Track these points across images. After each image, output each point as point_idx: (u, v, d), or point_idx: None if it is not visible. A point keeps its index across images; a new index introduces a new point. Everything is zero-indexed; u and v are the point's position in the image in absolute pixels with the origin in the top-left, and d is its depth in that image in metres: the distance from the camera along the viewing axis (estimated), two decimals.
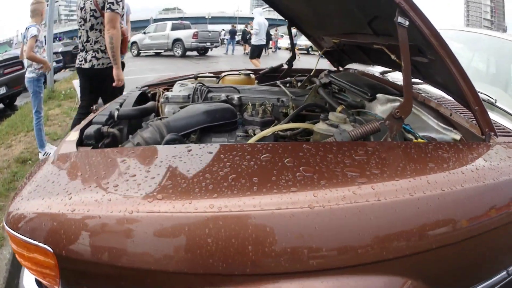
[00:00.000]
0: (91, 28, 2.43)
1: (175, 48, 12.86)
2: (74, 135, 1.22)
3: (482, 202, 0.88)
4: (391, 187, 0.76)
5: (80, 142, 1.16)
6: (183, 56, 12.23)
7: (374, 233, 0.71)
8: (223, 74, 2.23)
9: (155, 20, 21.80)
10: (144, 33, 14.31)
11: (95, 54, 2.45)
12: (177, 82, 2.12)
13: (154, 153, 0.88)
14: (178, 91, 1.69)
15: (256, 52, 7.37)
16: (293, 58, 2.45)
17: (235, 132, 1.32)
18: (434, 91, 1.54)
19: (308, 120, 1.45)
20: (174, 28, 13.27)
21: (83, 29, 2.46)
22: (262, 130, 1.27)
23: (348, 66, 2.49)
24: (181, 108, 1.41)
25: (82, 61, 2.50)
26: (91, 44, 2.46)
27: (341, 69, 2.52)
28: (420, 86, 1.62)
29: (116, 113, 1.41)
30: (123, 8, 2.40)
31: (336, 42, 1.95)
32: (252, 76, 2.22)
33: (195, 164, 0.77)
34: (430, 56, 1.01)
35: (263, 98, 1.62)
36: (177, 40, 12.78)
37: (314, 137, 1.17)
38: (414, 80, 1.63)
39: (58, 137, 3.38)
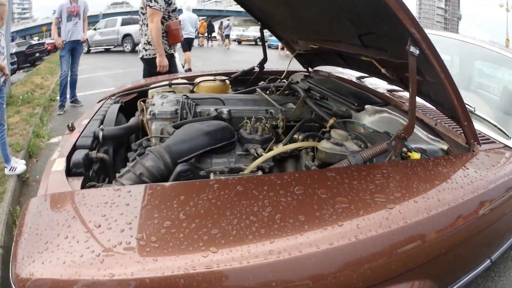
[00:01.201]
0: (142, 23, 2.91)
1: (125, 44, 13.37)
2: (60, 163, 1.19)
3: (477, 209, 1.06)
4: (412, 209, 0.89)
5: (68, 171, 1.14)
6: (133, 51, 12.54)
7: (404, 250, 0.84)
8: (197, 80, 2.22)
9: (104, 16, 21.88)
10: (95, 29, 14.47)
11: (144, 46, 2.93)
12: (151, 90, 2.06)
13: (174, 192, 0.88)
14: (160, 103, 1.64)
15: (185, 45, 8.26)
16: (264, 60, 2.52)
17: (234, 151, 1.35)
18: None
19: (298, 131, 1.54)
20: (124, 23, 13.76)
21: (139, 24, 3.01)
22: (262, 148, 1.32)
23: (318, 67, 2.65)
24: (175, 127, 1.38)
25: (139, 50, 3.07)
26: (142, 36, 2.95)
27: (311, 70, 2.67)
28: (399, 94, 1.80)
29: (100, 134, 1.40)
30: (170, 4, 2.82)
31: (314, 48, 2.06)
32: (227, 82, 2.24)
33: (231, 204, 0.79)
34: (429, 78, 1.16)
35: (251, 110, 1.65)
36: (127, 36, 13.29)
37: (319, 155, 1.25)
38: (395, 87, 1.83)
39: (21, 148, 3.20)
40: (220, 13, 28.32)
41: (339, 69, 2.55)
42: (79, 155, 1.23)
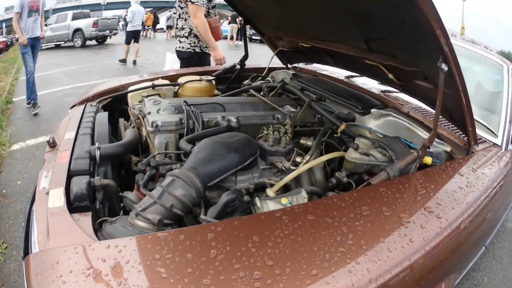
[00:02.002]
0: (179, 16, 3.07)
1: (75, 39, 13.48)
2: (57, 196, 1.06)
3: (486, 206, 1.24)
4: (459, 217, 1.02)
5: (69, 205, 1.03)
6: (83, 46, 12.88)
7: (449, 250, 0.99)
8: (180, 80, 2.14)
9: (54, 11, 21.26)
10: (46, 25, 14.30)
11: (180, 39, 3.11)
12: (133, 94, 1.95)
13: (243, 233, 0.81)
14: (155, 110, 1.55)
15: (130, 38, 8.67)
16: (245, 57, 2.52)
17: (257, 165, 1.34)
18: (406, 99, 1.89)
19: (304, 135, 1.60)
20: (74, 17, 13.89)
21: (175, 17, 3.20)
22: (287, 160, 1.35)
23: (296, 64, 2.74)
24: (189, 141, 1.32)
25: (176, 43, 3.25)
26: (179, 30, 3.11)
27: (289, 66, 2.74)
28: (394, 95, 1.95)
29: (97, 154, 1.28)
30: (211, 0, 2.94)
31: (305, 46, 2.12)
32: (213, 82, 2.20)
33: (313, 238, 0.79)
34: (446, 90, 1.29)
35: (258, 116, 1.66)
36: (77, 30, 13.43)
37: (346, 166, 1.33)
38: (389, 88, 1.97)
39: None
40: (167, 4, 28.31)
41: (319, 65, 2.66)
42: (79, 184, 1.10)
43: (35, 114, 4.70)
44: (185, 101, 1.62)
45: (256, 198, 1.11)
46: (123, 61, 8.98)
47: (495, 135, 1.68)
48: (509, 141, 1.67)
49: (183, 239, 0.78)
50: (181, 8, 3.02)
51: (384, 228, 0.88)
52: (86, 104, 1.95)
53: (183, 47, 3.10)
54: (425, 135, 1.54)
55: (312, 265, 0.73)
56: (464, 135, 1.49)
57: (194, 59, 3.10)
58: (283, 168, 1.29)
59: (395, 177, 1.15)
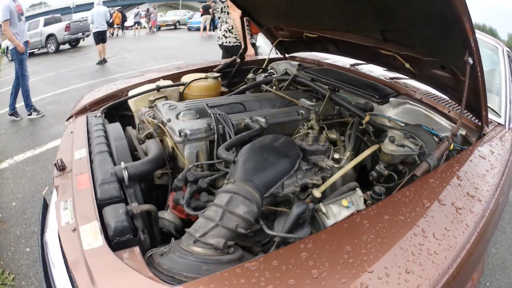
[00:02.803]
0: (221, 10, 3.25)
1: (49, 45, 13.62)
2: (91, 233, 0.96)
3: (505, 183, 1.41)
4: (492, 198, 1.17)
5: (108, 241, 0.95)
6: (57, 51, 13.10)
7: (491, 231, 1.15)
8: (184, 79, 2.16)
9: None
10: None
11: (224, 33, 3.29)
12: (137, 98, 1.94)
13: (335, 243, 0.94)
14: (174, 116, 1.55)
15: (98, 38, 9.17)
16: (245, 50, 2.57)
17: (300, 166, 1.33)
18: (415, 85, 2.05)
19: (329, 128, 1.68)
20: (46, 23, 14.04)
21: (217, 11, 3.39)
22: (328, 158, 1.44)
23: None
24: (228, 149, 1.33)
25: (218, 37, 3.46)
26: (221, 24, 3.34)
27: (287, 55, 2.83)
28: (403, 81, 2.10)
29: (126, 174, 1.21)
30: None
31: (311, 36, 2.20)
32: (219, 78, 2.24)
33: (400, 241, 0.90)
34: (465, 79, 1.42)
35: (283, 114, 1.71)
36: (50, 36, 13.57)
37: (383, 158, 1.45)
38: (397, 75, 2.12)
39: None
40: (135, 1, 28.98)
41: (318, 54, 2.76)
42: (117, 215, 1.00)
43: (42, 116, 4.93)
44: (206, 104, 1.65)
45: (321, 204, 1.14)
46: (100, 62, 9.38)
47: (499, 115, 1.88)
48: (511, 120, 1.88)
49: (278, 265, 0.79)
50: (222, 2, 3.24)
51: (445, 218, 1.01)
52: (86, 115, 1.88)
53: (229, 42, 3.26)
54: (442, 120, 1.70)
55: (404, 264, 0.84)
56: (474, 118, 1.66)
57: (236, 52, 3.09)
58: (327, 167, 1.37)
59: (435, 166, 1.29)
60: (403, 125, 1.75)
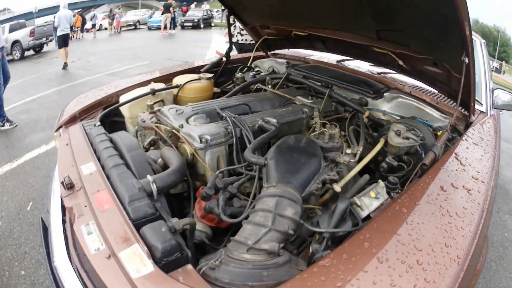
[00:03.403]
0: None
1: (14, 52, 13.51)
2: (135, 258, 0.94)
3: (495, 163, 1.66)
4: (490, 178, 1.39)
5: (155, 263, 0.94)
6: (22, 58, 13.00)
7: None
8: (176, 81, 2.21)
9: None
10: None
11: (241, 32, 3.39)
12: (131, 103, 1.95)
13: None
14: (184, 121, 1.60)
15: (61, 42, 9.41)
16: (230, 49, 2.67)
17: (321, 165, 1.44)
18: (402, 79, 2.28)
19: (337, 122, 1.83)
20: (11, 30, 13.81)
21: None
22: (343, 154, 1.60)
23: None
24: (254, 151, 1.38)
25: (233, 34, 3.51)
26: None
27: (269, 53, 2.96)
28: (390, 75, 2.32)
29: (154, 188, 1.21)
30: None
31: (301, 34, 2.35)
32: (212, 79, 2.32)
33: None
34: (457, 74, 1.63)
35: (289, 113, 1.82)
36: (15, 42, 13.42)
37: (391, 150, 1.63)
38: (385, 70, 2.33)
39: None
40: (95, 3, 29.73)
41: (298, 50, 2.93)
42: (162, 234, 0.98)
43: (15, 126, 4.81)
44: (217, 108, 1.72)
45: (355, 198, 1.26)
46: (65, 66, 9.44)
47: (480, 103, 2.16)
48: (491, 107, 2.17)
49: (348, 258, 0.91)
50: None
51: (460, 199, 1.20)
52: (81, 124, 1.81)
53: (246, 40, 3.33)
54: (433, 112, 1.93)
55: (442, 240, 1.01)
56: (462, 108, 1.91)
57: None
58: (345, 162, 1.53)
59: (440, 156, 1.50)
60: (398, 118, 1.95)
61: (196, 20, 19.78)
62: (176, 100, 2.17)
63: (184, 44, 13.75)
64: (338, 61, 2.63)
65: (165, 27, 17.05)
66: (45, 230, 1.57)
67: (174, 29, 17.34)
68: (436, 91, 2.06)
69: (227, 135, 1.53)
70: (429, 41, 1.65)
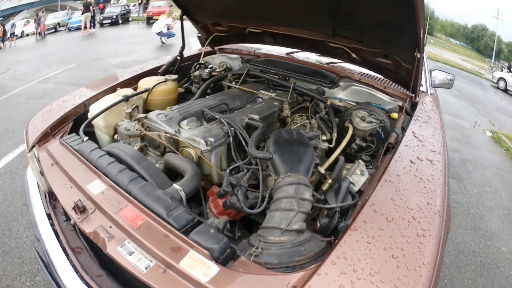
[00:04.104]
0: None
1: None
2: (196, 265, 1.07)
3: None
4: (444, 150, 1.84)
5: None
6: None
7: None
8: (142, 84, 2.32)
9: None
10: None
11: None
12: (108, 111, 2.03)
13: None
14: (176, 125, 1.77)
15: None
16: (183, 48, 2.84)
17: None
18: (349, 68, 2.69)
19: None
20: None
21: None
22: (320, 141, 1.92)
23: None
24: (256, 147, 1.64)
25: None
26: None
27: (216, 48, 3.19)
28: (338, 65, 2.72)
29: (183, 195, 1.40)
30: None
31: (255, 31, 2.61)
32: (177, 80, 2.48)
33: None
34: (408, 66, 2.05)
35: (264, 108, 2.10)
36: None
37: (358, 133, 2.01)
38: (333, 60, 2.72)
39: None
40: (15, 10, 28.80)
41: (245, 45, 3.20)
42: (214, 236, 1.15)
43: None
44: (203, 110, 1.92)
45: (348, 176, 1.57)
46: None
47: (421, 84, 2.67)
48: (430, 86, 2.71)
49: (367, 222, 1.22)
50: None
51: (427, 168, 1.60)
52: (63, 140, 1.79)
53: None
54: (383, 96, 2.36)
55: (422, 200, 1.39)
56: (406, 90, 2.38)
57: None
58: (325, 148, 1.87)
59: (400, 135, 1.91)
60: (354, 104, 2.35)
61: (114, 17, 20.41)
62: (146, 104, 2.29)
63: (106, 42, 14.28)
64: (287, 53, 2.96)
65: (85, 27, 17.42)
66: (46, 265, 1.54)
67: (94, 27, 17.81)
68: (381, 77, 2.51)
69: (226, 135, 1.73)
70: (384, 39, 2.03)
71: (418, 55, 1.84)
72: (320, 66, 2.65)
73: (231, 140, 1.73)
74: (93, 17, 17.62)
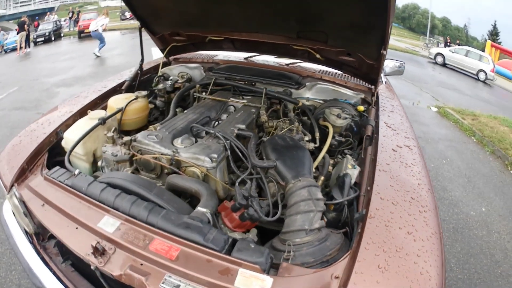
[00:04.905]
0: None
1: None
2: (251, 280, 1.18)
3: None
4: (413, 134, 2.22)
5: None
6: None
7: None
8: (112, 103, 2.38)
9: None
10: None
11: None
12: (94, 137, 2.09)
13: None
14: (170, 145, 1.84)
15: None
16: (142, 61, 2.92)
17: None
18: (308, 67, 2.98)
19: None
20: None
21: None
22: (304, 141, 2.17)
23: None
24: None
25: None
26: None
27: (171, 59, 3.30)
28: (298, 65, 2.99)
29: (210, 216, 1.49)
30: None
31: (217, 39, 2.78)
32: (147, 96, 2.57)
33: None
34: (371, 61, 2.36)
35: (246, 116, 2.28)
36: None
37: (336, 130, 2.29)
38: (293, 60, 2.99)
39: None
40: None
41: (199, 52, 3.36)
42: (255, 250, 1.27)
43: None
44: (194, 126, 2.02)
45: (344, 171, 1.81)
46: None
47: None
48: (383, 76, 3.09)
49: (378, 209, 1.46)
50: None
51: (408, 154, 1.92)
52: (50, 176, 1.74)
53: None
54: (346, 91, 2.67)
55: (416, 183, 1.70)
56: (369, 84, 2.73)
57: None
58: (313, 148, 2.11)
59: (374, 126, 2.22)
60: (321, 102, 2.64)
61: (47, 34, 20.89)
62: (119, 125, 2.35)
63: (43, 61, 14.46)
64: (245, 58, 3.17)
65: (21, 47, 17.54)
66: None
67: (29, 47, 18.05)
68: (341, 73, 2.83)
69: (224, 149, 1.84)
70: (349, 38, 2.27)
71: (384, 52, 2.12)
72: (281, 68, 2.91)
73: (229, 153, 1.84)
74: (27, 36, 17.84)
